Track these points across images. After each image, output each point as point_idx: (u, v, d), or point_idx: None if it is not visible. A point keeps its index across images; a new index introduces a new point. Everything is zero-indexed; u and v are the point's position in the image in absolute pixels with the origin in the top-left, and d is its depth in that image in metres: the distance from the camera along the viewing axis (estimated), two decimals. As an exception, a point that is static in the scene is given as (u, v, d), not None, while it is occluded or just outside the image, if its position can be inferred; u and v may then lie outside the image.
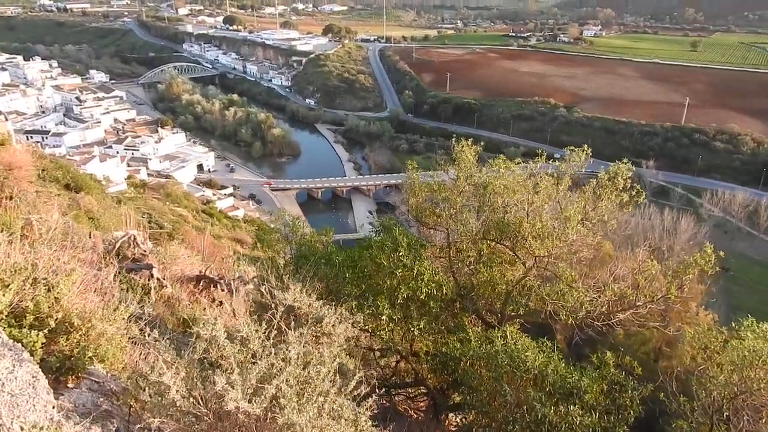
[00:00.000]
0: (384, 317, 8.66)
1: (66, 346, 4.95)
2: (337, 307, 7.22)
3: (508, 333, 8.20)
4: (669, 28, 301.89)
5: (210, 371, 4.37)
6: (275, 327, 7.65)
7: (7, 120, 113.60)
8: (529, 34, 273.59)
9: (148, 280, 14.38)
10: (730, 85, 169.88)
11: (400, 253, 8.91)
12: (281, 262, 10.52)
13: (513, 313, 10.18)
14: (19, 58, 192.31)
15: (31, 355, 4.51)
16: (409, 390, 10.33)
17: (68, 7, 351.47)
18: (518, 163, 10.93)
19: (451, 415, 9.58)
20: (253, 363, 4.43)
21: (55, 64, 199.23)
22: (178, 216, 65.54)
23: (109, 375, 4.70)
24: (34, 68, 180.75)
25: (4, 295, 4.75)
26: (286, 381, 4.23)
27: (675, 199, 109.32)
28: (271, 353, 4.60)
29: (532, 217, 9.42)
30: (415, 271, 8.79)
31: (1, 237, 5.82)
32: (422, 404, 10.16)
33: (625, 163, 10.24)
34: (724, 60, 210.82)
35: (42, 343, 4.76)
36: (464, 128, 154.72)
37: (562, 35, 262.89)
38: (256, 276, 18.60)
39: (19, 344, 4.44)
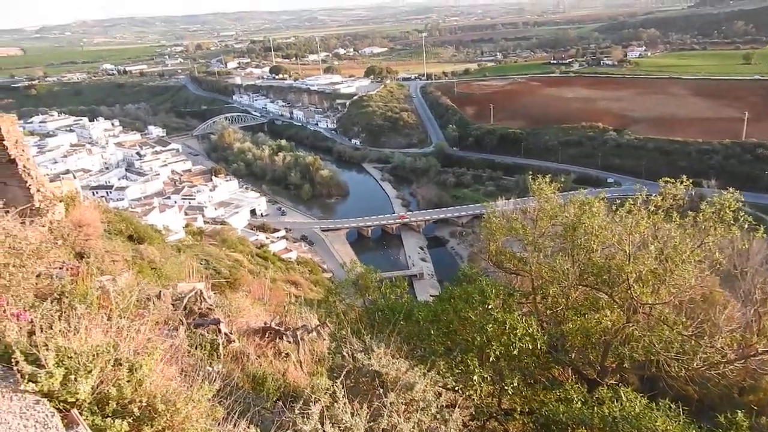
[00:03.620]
0: (475, 377, 7.97)
1: (150, 434, 4.56)
2: (426, 369, 6.60)
3: (622, 393, 7.32)
4: (718, 43, 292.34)
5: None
6: (361, 394, 7.12)
7: (75, 178, 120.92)
8: (570, 60, 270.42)
9: (216, 335, 14.19)
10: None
11: (490, 307, 8.26)
12: (354, 315, 10.00)
13: (614, 365, 9.25)
14: (85, 119, 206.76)
15: (116, 448, 4.13)
16: (500, 453, 9.46)
17: (128, 69, 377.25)
18: (605, 201, 10.02)
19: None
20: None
21: (116, 122, 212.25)
22: (234, 261, 66.72)
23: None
24: (98, 128, 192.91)
25: (87, 380, 4.45)
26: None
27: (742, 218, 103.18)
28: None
29: (635, 260, 8.58)
30: (507, 325, 8.10)
31: (81, 310, 5.61)
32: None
33: (732, 193, 9.28)
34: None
35: (125, 432, 4.39)
36: (511, 158, 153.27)
37: (605, 58, 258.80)
38: (320, 324, 18.23)
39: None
